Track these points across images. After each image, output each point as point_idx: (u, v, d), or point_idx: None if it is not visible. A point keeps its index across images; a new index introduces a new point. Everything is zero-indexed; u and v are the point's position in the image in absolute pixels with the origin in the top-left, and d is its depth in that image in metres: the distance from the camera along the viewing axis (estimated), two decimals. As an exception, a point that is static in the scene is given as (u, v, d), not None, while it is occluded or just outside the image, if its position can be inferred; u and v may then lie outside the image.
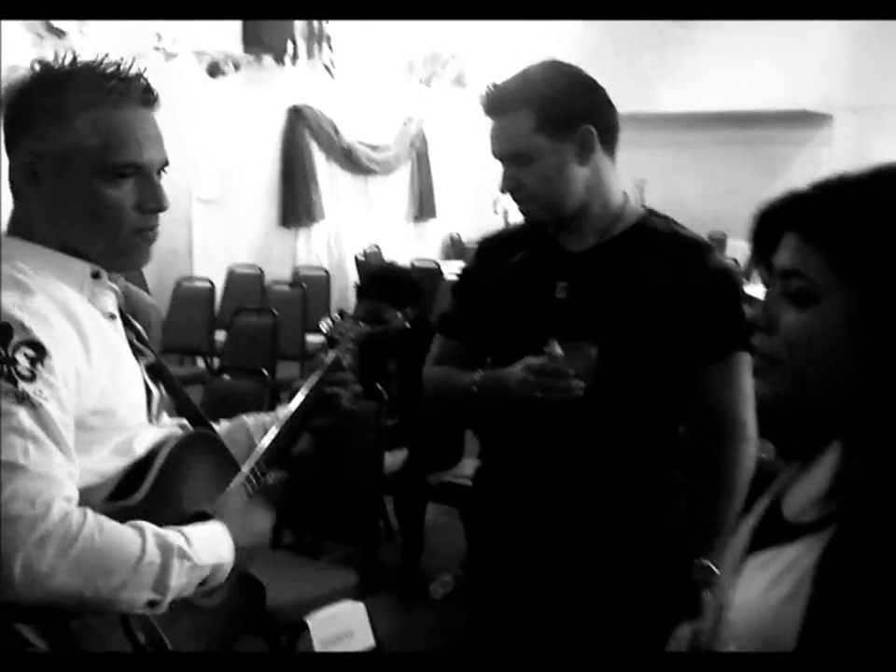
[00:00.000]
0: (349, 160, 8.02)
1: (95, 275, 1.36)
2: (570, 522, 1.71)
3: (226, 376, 3.66)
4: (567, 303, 1.70)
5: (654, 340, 1.66)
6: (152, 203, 1.35)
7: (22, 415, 1.17)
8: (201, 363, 6.11)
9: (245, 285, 6.64)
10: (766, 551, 1.02)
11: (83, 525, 1.18)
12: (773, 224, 1.01)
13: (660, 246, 1.69)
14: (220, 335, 5.83)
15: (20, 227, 1.34)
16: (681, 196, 8.29)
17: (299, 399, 1.63)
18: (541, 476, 1.72)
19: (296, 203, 7.51)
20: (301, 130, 7.52)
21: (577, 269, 1.71)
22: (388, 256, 7.68)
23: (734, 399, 1.67)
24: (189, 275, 6.52)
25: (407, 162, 8.70)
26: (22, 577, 1.13)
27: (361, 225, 8.30)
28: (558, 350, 1.58)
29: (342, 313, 1.85)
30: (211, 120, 6.66)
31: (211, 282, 6.30)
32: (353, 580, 2.83)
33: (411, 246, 8.58)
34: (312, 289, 6.38)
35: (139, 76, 1.35)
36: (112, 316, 1.40)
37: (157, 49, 6.06)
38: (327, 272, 7.18)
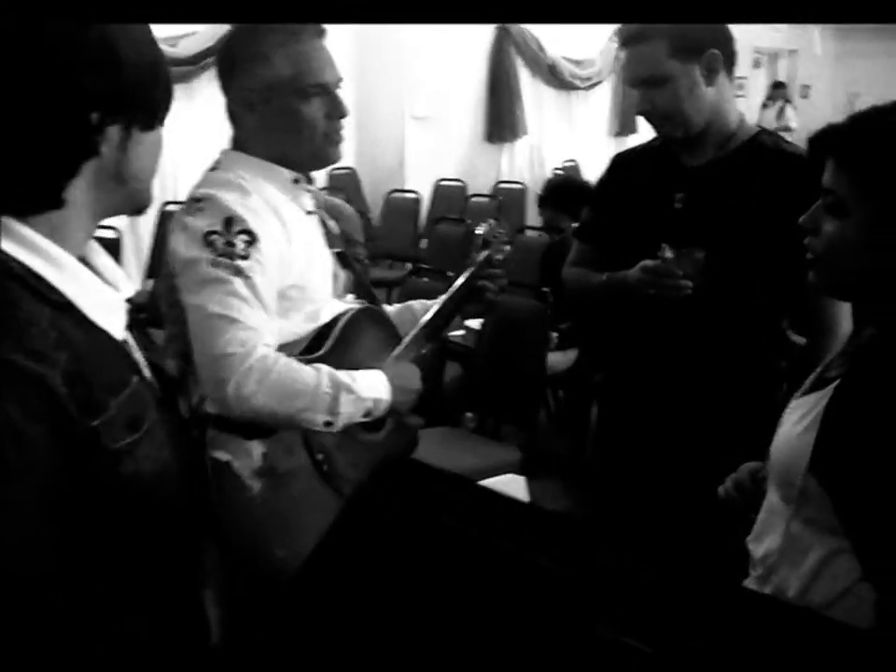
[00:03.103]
0: (553, 75, 8.13)
1: (296, 181, 1.73)
2: (683, 403, 1.94)
3: (424, 278, 4.09)
4: (682, 213, 1.90)
5: (757, 247, 1.84)
6: (336, 111, 1.70)
7: (238, 283, 1.56)
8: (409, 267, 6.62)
9: (449, 197, 7.05)
10: (803, 398, 1.31)
11: (277, 362, 1.57)
12: (818, 150, 1.26)
13: (767, 162, 1.86)
14: (426, 243, 6.30)
15: (239, 144, 1.73)
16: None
17: (453, 288, 1.96)
18: (657, 364, 1.97)
19: (501, 119, 7.74)
20: (506, 47, 7.70)
21: (693, 182, 1.91)
22: (587, 170, 7.80)
23: (830, 303, 1.81)
24: (399, 188, 7.01)
25: (610, 77, 8.66)
26: (233, 396, 1.53)
27: (563, 140, 8.41)
28: (669, 253, 1.80)
29: (497, 219, 2.17)
30: (423, 41, 7.00)
31: (418, 194, 6.77)
32: (516, 456, 3.23)
33: (612, 161, 8.59)
34: (508, 202, 6.68)
35: None
36: (309, 213, 1.76)
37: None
38: (524, 185, 7.46)
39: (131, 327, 1.02)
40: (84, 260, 0.96)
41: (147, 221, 5.50)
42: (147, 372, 1.02)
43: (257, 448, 1.62)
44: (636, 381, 2.03)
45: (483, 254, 2.01)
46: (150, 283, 4.87)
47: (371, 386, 1.67)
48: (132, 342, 1.02)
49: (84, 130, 0.90)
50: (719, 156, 1.91)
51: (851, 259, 1.21)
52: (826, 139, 1.24)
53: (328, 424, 1.61)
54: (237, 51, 1.69)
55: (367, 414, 1.67)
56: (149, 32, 0.97)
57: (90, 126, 0.90)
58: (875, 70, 10.94)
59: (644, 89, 1.89)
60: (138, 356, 1.02)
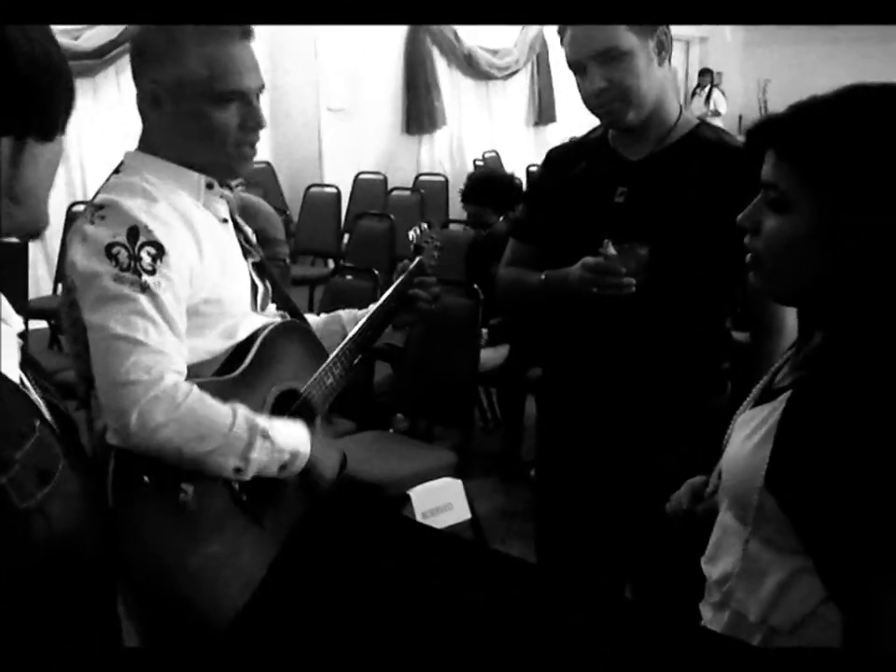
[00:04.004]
0: (470, 65, 8.06)
1: (209, 186, 1.59)
2: (626, 404, 1.88)
3: (348, 276, 3.94)
4: (624, 207, 1.83)
5: (701, 242, 1.78)
6: (252, 122, 1.57)
7: (144, 302, 1.42)
8: (331, 264, 6.47)
9: (370, 191, 6.89)
10: (752, 409, 1.22)
11: (188, 396, 1.42)
12: (757, 142, 1.18)
13: (709, 155, 1.81)
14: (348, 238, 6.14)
15: (146, 144, 1.59)
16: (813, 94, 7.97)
17: (384, 298, 1.84)
18: (600, 365, 1.90)
19: (419, 110, 7.66)
20: (422, 36, 7.61)
21: (634, 175, 1.84)
22: (507, 161, 7.75)
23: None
24: (318, 182, 6.84)
25: (527, 66, 8.64)
26: (136, 427, 1.38)
27: (482, 130, 8.36)
28: (611, 250, 1.72)
29: (429, 223, 2.05)
30: (337, 32, 6.84)
31: (338, 188, 6.62)
32: (452, 459, 3.12)
33: (531, 151, 8.61)
34: (430, 195, 6.57)
35: None
36: (224, 220, 1.63)
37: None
38: (446, 178, 7.34)
39: (23, 364, 0.90)
40: None
41: (55, 223, 5.24)
42: (47, 414, 0.90)
43: None
44: (578, 380, 1.96)
45: (415, 261, 1.91)
46: (61, 288, 4.65)
47: (292, 438, 1.54)
48: (27, 381, 0.90)
49: None
50: (660, 148, 1.84)
51: (796, 257, 1.12)
52: (766, 130, 1.16)
53: (237, 470, 1.47)
54: (151, 40, 1.54)
55: (283, 468, 1.53)
56: (47, 27, 0.83)
57: None
58: (784, 55, 11.16)
59: (598, 64, 1.77)
60: (35, 396, 0.90)
